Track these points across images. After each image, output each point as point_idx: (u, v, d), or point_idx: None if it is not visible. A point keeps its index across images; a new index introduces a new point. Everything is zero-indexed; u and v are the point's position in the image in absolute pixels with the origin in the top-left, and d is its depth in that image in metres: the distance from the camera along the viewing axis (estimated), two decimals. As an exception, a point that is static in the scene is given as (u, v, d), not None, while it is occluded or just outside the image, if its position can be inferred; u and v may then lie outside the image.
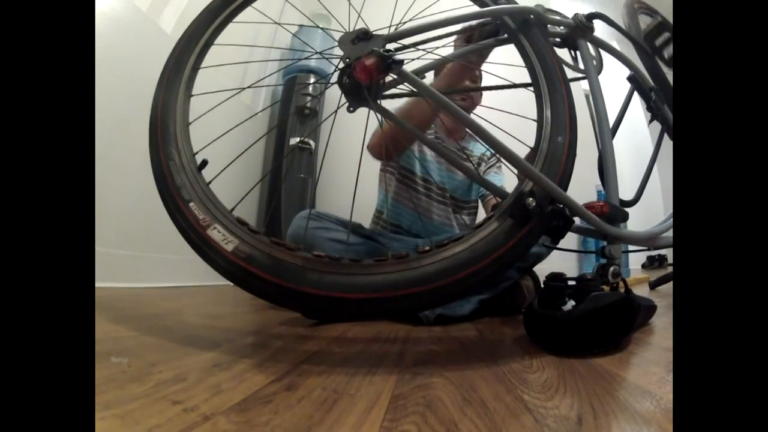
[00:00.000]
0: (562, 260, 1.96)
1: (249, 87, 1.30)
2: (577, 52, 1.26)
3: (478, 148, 2.10)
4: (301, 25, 2.87)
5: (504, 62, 1.31)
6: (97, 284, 1.60)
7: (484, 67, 1.50)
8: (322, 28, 2.03)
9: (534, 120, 0.99)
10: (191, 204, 0.84)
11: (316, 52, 1.50)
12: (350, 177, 1.13)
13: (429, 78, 1.53)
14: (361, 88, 0.89)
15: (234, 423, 0.46)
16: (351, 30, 0.91)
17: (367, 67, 0.85)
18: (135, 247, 1.91)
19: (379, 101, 0.98)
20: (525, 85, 1.12)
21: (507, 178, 1.97)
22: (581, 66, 1.24)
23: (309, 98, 2.92)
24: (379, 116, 1.01)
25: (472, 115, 0.95)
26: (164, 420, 0.45)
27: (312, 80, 2.99)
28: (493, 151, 1.98)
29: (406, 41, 0.96)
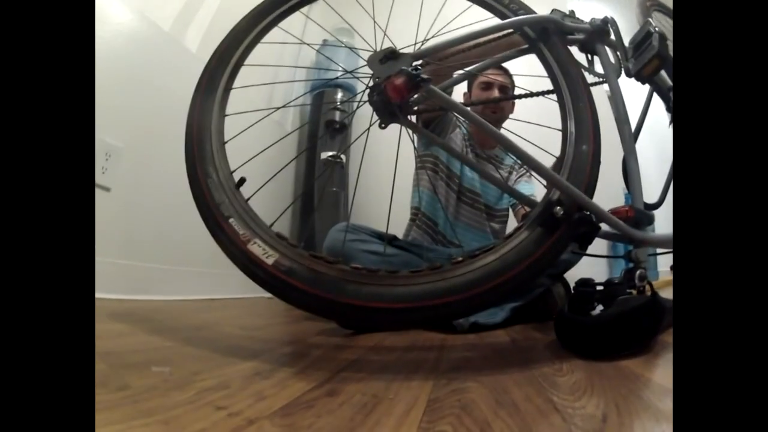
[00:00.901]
0: (592, 266, 1.94)
1: (283, 107, 1.33)
2: (596, 57, 1.26)
3: (509, 158, 2.11)
4: (324, 42, 2.90)
5: (527, 71, 1.32)
6: (133, 297, 1.63)
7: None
8: (349, 48, 2.06)
9: (559, 130, 1.00)
10: (231, 220, 0.86)
11: (346, 72, 1.52)
12: (382, 189, 1.15)
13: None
14: (392, 105, 0.92)
15: (278, 426, 0.47)
16: (377, 48, 0.93)
17: (397, 86, 0.87)
18: (169, 261, 1.95)
19: (409, 117, 1.00)
20: (548, 93, 1.13)
21: (537, 186, 1.97)
22: (601, 70, 1.24)
23: (338, 113, 2.94)
24: (410, 131, 1.03)
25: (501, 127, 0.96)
26: (209, 424, 0.46)
27: (339, 94, 3.01)
28: (521, 161, 1.99)
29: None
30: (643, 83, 1.14)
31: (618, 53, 1.31)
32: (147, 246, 1.85)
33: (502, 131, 1.10)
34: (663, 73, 1.29)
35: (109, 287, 1.54)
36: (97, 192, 1.61)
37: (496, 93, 1.95)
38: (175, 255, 1.98)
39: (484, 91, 1.97)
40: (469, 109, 0.93)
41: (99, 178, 1.61)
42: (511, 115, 1.99)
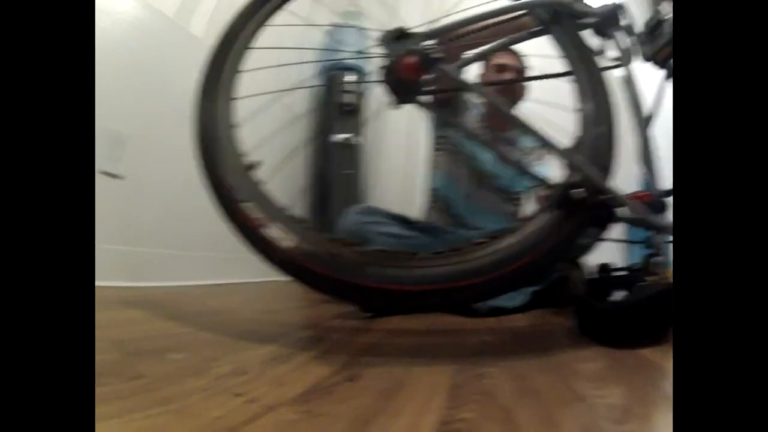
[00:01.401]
0: (609, 250, 1.93)
1: (293, 89, 1.31)
2: (610, 41, 1.24)
3: (525, 140, 2.08)
4: (334, 24, 2.88)
5: (541, 53, 1.30)
6: (145, 284, 1.63)
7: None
8: (359, 28, 2.03)
9: (575, 111, 0.98)
10: (245, 204, 0.85)
11: (358, 53, 1.50)
12: (396, 171, 1.14)
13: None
14: (404, 85, 0.90)
15: (297, 413, 0.46)
16: (388, 28, 0.92)
17: (410, 65, 0.85)
18: (180, 246, 1.94)
19: (421, 97, 0.98)
20: (562, 75, 1.10)
21: (553, 169, 1.95)
22: (614, 54, 1.22)
23: (349, 95, 2.92)
24: (424, 112, 1.01)
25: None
26: (226, 412, 0.45)
27: (351, 77, 2.99)
28: (537, 143, 1.97)
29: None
30: (660, 67, 1.12)
31: (630, 38, 1.28)
32: (157, 232, 1.85)
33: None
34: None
35: (120, 275, 1.54)
36: (105, 180, 1.60)
37: (509, 76, 1.92)
38: (189, 240, 1.97)
39: (497, 73, 1.94)
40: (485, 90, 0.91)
41: (106, 166, 1.60)
42: (527, 98, 1.97)
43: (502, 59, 1.93)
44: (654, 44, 1.05)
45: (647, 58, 1.09)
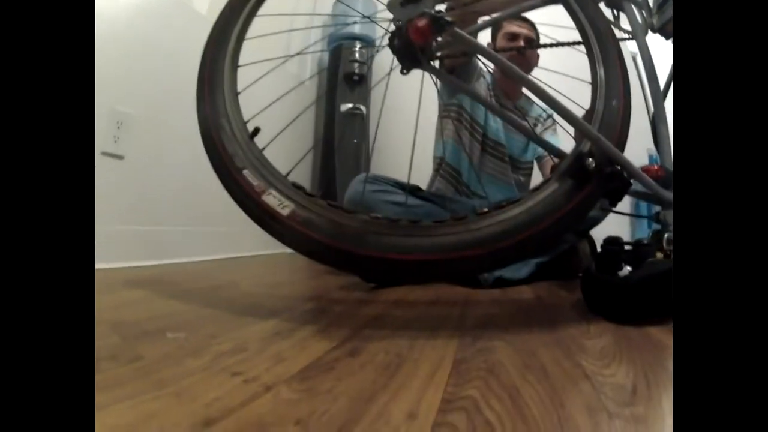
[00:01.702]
0: (616, 224, 1.92)
1: (296, 54, 1.29)
2: (623, 14, 1.21)
3: (535, 110, 2.07)
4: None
5: (555, 22, 1.27)
6: (149, 262, 1.63)
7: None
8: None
9: (588, 82, 0.96)
10: (245, 171, 0.84)
11: (364, 17, 1.48)
12: (403, 140, 1.12)
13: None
14: (414, 51, 0.88)
15: (296, 392, 0.45)
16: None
17: (420, 28, 0.83)
18: (185, 223, 1.94)
19: (432, 62, 0.96)
20: (576, 44, 1.08)
21: (562, 141, 1.94)
22: (628, 27, 1.20)
23: (357, 65, 2.89)
24: (433, 77, 0.99)
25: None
26: (224, 393, 0.44)
27: (358, 46, 2.96)
28: (548, 113, 1.95)
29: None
30: (667, 39, 1.10)
31: (643, 11, 1.26)
32: (163, 210, 1.84)
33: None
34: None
35: (126, 255, 1.54)
36: (110, 160, 1.59)
37: (521, 44, 1.90)
38: (193, 216, 1.97)
39: (509, 41, 1.92)
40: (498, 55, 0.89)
41: (111, 147, 1.59)
42: (539, 67, 1.94)
43: (513, 27, 1.91)
44: (662, 16, 1.02)
45: (655, 30, 1.06)
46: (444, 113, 1.97)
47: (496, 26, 1.93)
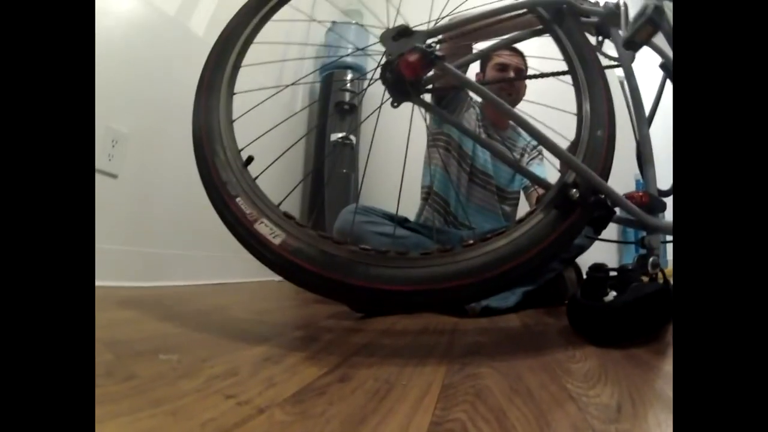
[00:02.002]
0: (604, 251, 1.94)
1: (291, 84, 1.32)
2: (610, 40, 1.24)
3: (522, 140, 2.10)
4: (334, 22, 2.88)
5: (542, 54, 1.30)
6: (141, 283, 1.64)
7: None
8: (361, 25, 2.03)
9: (573, 113, 0.99)
10: (238, 199, 0.85)
11: (358, 49, 1.50)
12: (392, 171, 1.14)
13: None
14: (404, 84, 0.90)
15: (289, 414, 0.46)
16: (389, 26, 0.92)
17: (411, 63, 0.85)
18: (177, 246, 1.94)
19: (421, 95, 0.98)
20: (562, 74, 1.11)
21: (548, 171, 1.97)
22: (615, 54, 1.23)
23: (348, 94, 2.92)
24: (423, 110, 1.01)
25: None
26: (218, 414, 0.45)
27: (349, 75, 2.99)
28: (535, 143, 1.98)
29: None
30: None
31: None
32: (156, 231, 1.85)
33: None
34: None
35: (117, 275, 1.54)
36: (104, 179, 1.61)
37: (511, 75, 1.93)
38: (185, 240, 1.98)
39: (498, 72, 1.95)
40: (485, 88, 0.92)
41: (105, 165, 1.60)
42: (525, 98, 1.98)
43: (503, 58, 1.94)
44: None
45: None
46: (432, 142, 1.99)
47: (485, 57, 1.96)
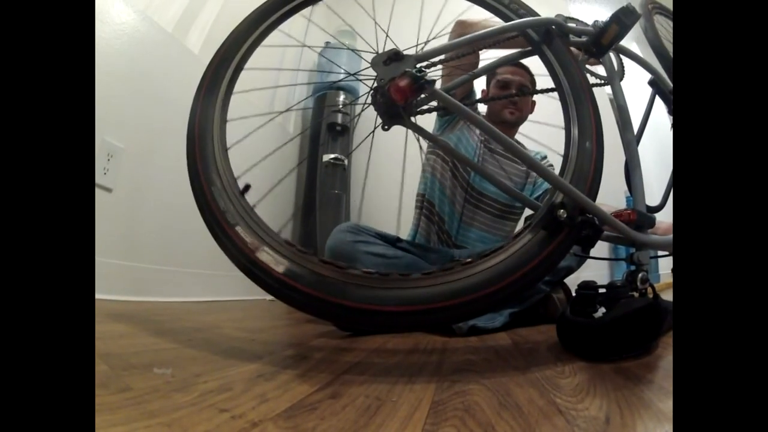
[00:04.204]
0: (595, 268, 1.95)
1: (287, 110, 1.33)
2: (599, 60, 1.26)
3: (528, 151, 2.08)
4: (327, 44, 2.91)
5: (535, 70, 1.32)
6: (134, 298, 1.64)
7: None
8: (352, 50, 2.05)
9: (563, 128, 1.01)
10: (237, 228, 0.86)
11: (349, 74, 1.52)
12: (384, 191, 1.16)
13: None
14: (395, 107, 0.91)
15: (282, 429, 0.47)
16: (379, 50, 0.94)
17: (402, 87, 0.86)
18: (170, 262, 1.95)
19: (413, 119, 1.00)
20: (550, 91, 1.13)
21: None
22: (603, 73, 1.25)
23: (340, 115, 2.94)
24: (414, 133, 1.03)
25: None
26: (213, 426, 0.46)
27: (341, 97, 3.01)
28: (544, 154, 1.98)
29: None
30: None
31: (620, 56, 1.32)
32: (148, 247, 1.86)
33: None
34: (665, 75, 1.29)
35: (111, 288, 1.54)
36: (99, 193, 1.62)
37: (513, 92, 1.89)
38: (177, 256, 1.98)
39: (500, 89, 1.94)
40: (477, 111, 0.94)
41: (100, 179, 1.61)
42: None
43: (506, 75, 1.93)
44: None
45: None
46: (430, 150, 2.00)
47: (490, 73, 1.96)
